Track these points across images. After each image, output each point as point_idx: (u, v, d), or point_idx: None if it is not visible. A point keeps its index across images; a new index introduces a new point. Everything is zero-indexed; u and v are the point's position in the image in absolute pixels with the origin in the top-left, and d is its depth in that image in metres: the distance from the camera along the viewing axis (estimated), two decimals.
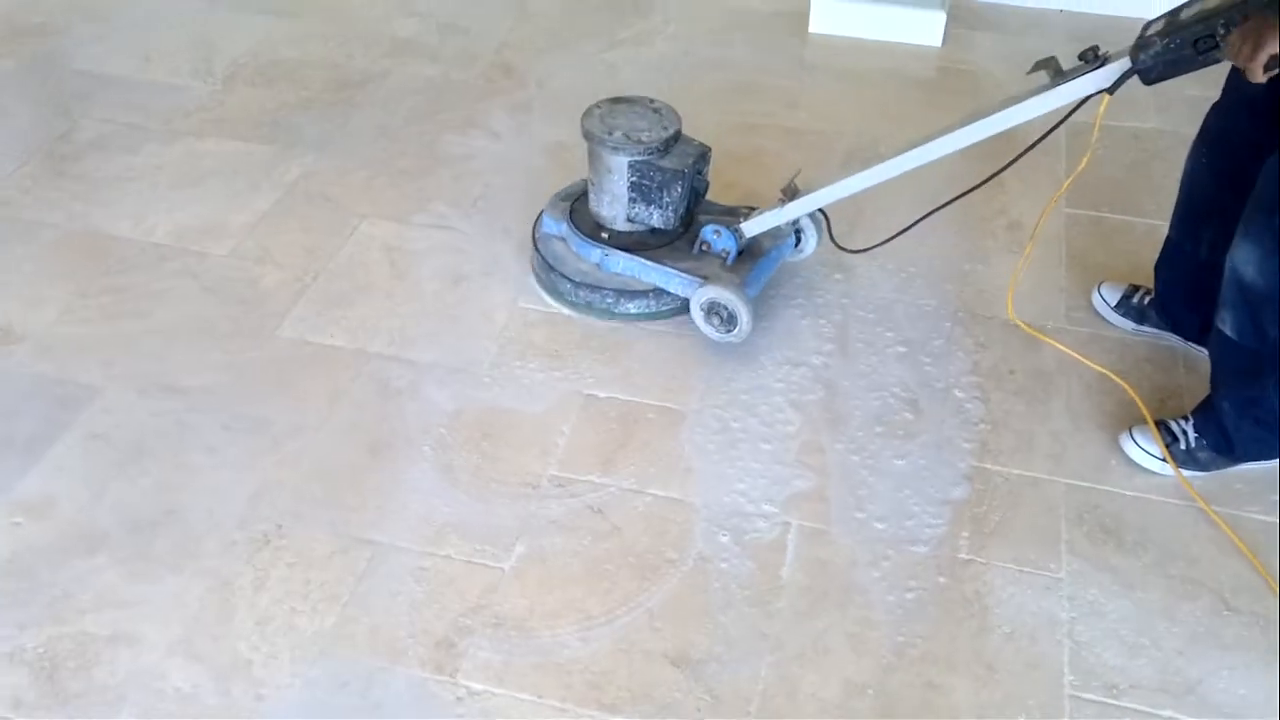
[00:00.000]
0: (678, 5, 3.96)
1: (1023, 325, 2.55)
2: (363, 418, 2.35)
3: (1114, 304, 2.58)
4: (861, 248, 2.63)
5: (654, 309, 2.55)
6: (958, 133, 2.19)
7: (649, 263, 2.51)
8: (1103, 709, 1.85)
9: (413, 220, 2.91)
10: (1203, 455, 2.21)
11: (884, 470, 2.26)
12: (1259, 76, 1.74)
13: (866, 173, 2.33)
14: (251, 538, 2.10)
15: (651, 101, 2.51)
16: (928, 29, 3.71)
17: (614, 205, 2.51)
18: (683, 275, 2.48)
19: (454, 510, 2.16)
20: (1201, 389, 2.28)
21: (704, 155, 2.50)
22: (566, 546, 2.10)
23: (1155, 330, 2.54)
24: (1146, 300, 2.54)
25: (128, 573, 2.03)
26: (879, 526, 2.14)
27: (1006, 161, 2.27)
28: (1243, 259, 1.99)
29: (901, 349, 2.54)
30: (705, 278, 2.45)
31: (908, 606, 2.01)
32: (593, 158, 2.49)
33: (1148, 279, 2.54)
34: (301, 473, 2.23)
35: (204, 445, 2.28)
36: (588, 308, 2.56)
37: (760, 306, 2.65)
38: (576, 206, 2.64)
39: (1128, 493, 2.21)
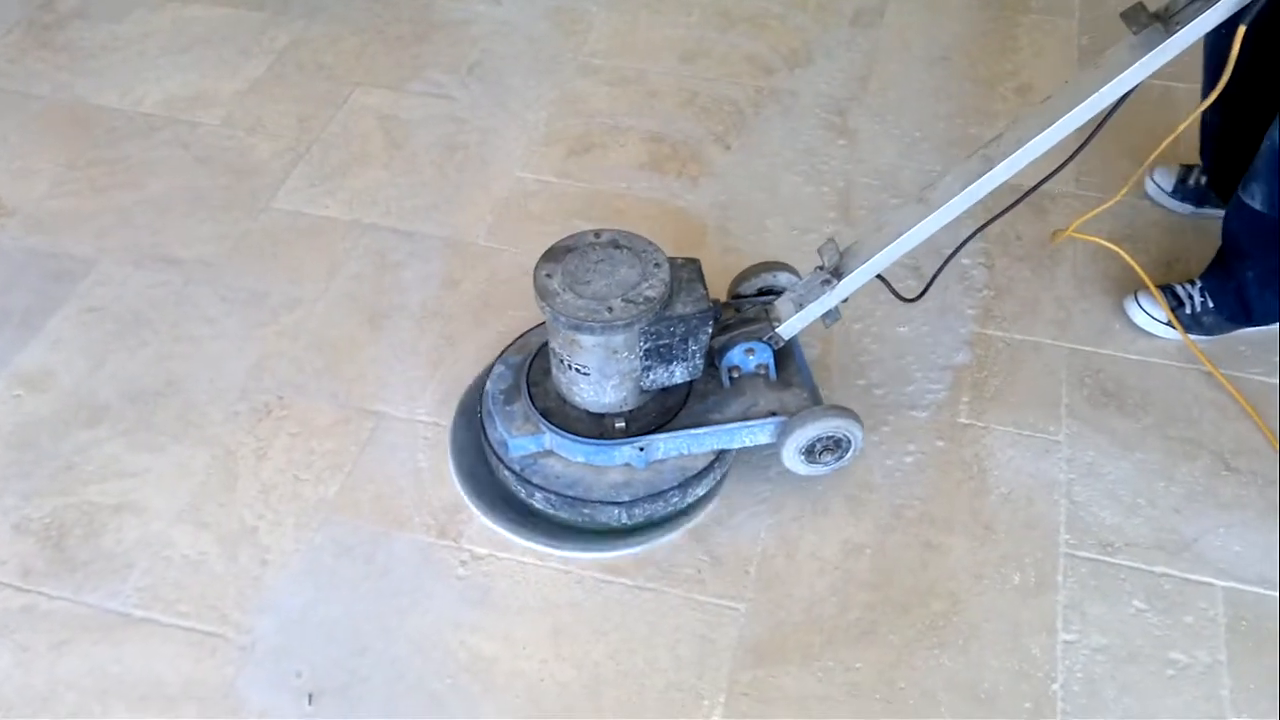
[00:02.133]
0: None
1: (1061, 234, 2.44)
2: (361, 289, 2.33)
3: (1170, 189, 2.48)
4: (919, 293, 2.06)
5: (719, 475, 1.98)
6: (1059, 123, 1.69)
7: (697, 430, 1.89)
8: (1097, 566, 1.87)
9: (408, 88, 2.84)
10: (1208, 319, 2.19)
11: (886, 337, 2.24)
12: None
13: (936, 214, 1.78)
14: (253, 408, 2.10)
15: (597, 235, 1.84)
16: None
17: (623, 385, 1.86)
18: (751, 424, 1.90)
19: (456, 380, 2.16)
20: (1208, 252, 2.25)
21: (700, 273, 1.87)
22: None
23: (1218, 210, 2.36)
24: (1204, 181, 2.44)
25: (130, 443, 2.04)
26: (879, 393, 2.14)
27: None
28: None
29: None
30: (776, 413, 1.90)
31: (906, 470, 2.02)
32: (576, 346, 1.80)
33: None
34: (301, 344, 2.22)
35: (202, 317, 2.27)
36: (648, 522, 1.93)
37: (761, 172, 2.60)
38: (542, 406, 1.92)
39: (1130, 356, 2.20)
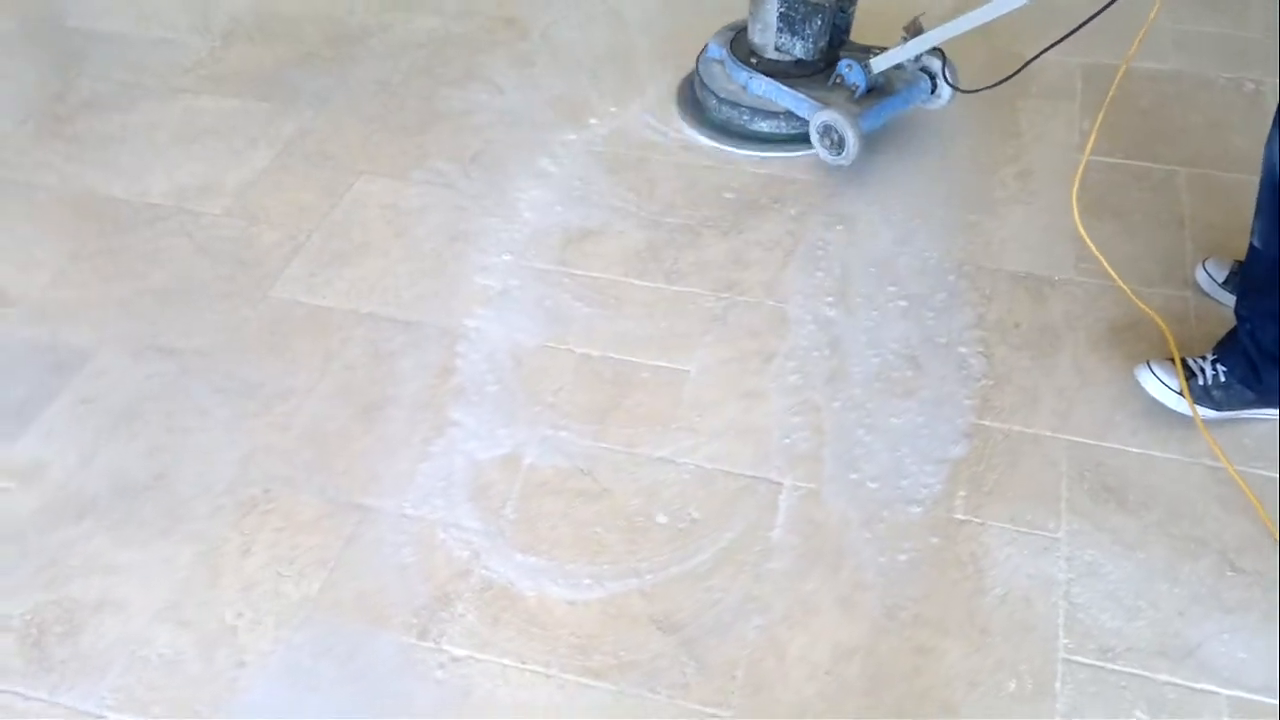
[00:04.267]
0: None
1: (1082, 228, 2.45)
2: (354, 380, 2.33)
3: (1221, 280, 2.42)
4: (980, 86, 2.72)
5: (783, 130, 2.87)
6: None
7: (785, 88, 2.81)
8: (1096, 673, 1.81)
9: (411, 177, 2.87)
10: (1218, 393, 2.14)
11: (880, 429, 2.20)
12: None
13: (987, 6, 2.42)
14: (239, 502, 2.09)
15: None
16: None
17: (764, 34, 2.84)
18: (809, 100, 2.76)
19: (444, 474, 2.14)
20: (1214, 336, 2.21)
21: (849, 2, 2.80)
22: (555, 509, 2.07)
23: None
24: None
25: (115, 538, 2.03)
26: (873, 486, 2.10)
27: None
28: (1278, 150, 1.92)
29: (903, 303, 2.48)
30: (827, 104, 2.72)
31: (900, 568, 1.96)
32: None
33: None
34: (291, 436, 2.21)
35: (195, 408, 2.27)
36: (726, 124, 2.92)
37: (758, 260, 2.59)
38: (738, 36, 2.96)
39: (1133, 449, 2.15)
